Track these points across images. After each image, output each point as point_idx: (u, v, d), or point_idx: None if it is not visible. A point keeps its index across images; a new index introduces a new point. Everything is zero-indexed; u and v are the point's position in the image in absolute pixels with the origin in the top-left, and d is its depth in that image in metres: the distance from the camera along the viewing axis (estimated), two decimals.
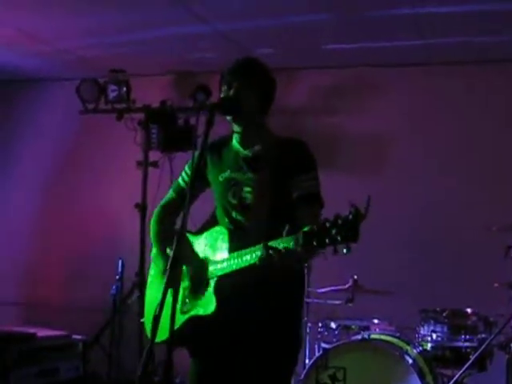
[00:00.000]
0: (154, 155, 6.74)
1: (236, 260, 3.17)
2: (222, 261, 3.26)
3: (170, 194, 3.77)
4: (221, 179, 3.51)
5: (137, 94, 6.82)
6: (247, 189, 3.42)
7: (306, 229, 2.86)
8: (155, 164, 6.70)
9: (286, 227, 2.96)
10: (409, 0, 5.50)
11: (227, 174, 3.49)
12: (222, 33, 6.35)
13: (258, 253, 3.02)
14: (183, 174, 3.68)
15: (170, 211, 3.71)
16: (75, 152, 7.87)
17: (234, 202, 3.44)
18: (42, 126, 8.03)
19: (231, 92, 3.38)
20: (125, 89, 6.79)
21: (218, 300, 3.20)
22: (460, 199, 6.63)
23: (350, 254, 2.74)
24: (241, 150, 3.48)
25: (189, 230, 3.53)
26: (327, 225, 2.77)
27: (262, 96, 3.43)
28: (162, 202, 3.80)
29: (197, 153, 3.13)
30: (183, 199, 3.44)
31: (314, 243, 2.81)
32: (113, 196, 7.54)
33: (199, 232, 3.57)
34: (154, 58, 7.17)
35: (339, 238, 2.73)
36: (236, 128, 3.46)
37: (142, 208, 6.48)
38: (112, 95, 6.83)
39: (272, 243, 2.99)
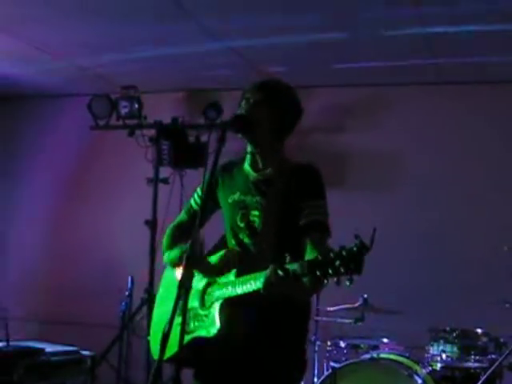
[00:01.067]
0: (164, 172, 6.75)
1: (241, 285, 3.14)
2: (228, 284, 3.23)
3: (182, 214, 3.72)
4: (230, 201, 3.48)
5: (148, 111, 6.84)
6: (255, 212, 3.38)
7: (310, 258, 2.84)
8: (166, 180, 6.70)
9: (288, 256, 2.93)
10: (420, 20, 5.51)
11: (237, 196, 3.46)
12: (235, 50, 6.37)
13: (263, 279, 2.99)
14: (195, 195, 3.63)
15: (182, 232, 3.63)
16: (86, 167, 7.89)
17: (242, 225, 3.41)
18: (54, 142, 8.06)
19: (246, 107, 3.36)
20: (136, 105, 6.80)
21: (220, 323, 3.17)
22: (470, 218, 6.62)
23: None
24: (251, 172, 3.45)
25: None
26: (331, 255, 2.74)
27: (277, 116, 3.35)
28: (174, 222, 3.76)
29: (207, 174, 3.12)
30: (194, 219, 3.41)
31: (318, 273, 2.78)
32: (123, 212, 7.54)
33: (209, 253, 3.52)
34: (166, 75, 7.19)
35: (343, 270, 2.70)
36: (249, 148, 3.43)
37: (152, 225, 6.48)
38: (124, 111, 6.84)
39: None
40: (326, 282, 2.80)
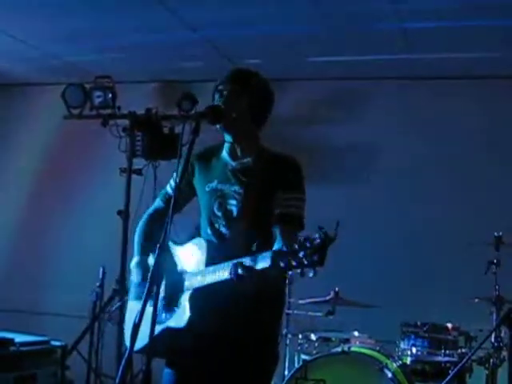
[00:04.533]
0: (138, 163, 6.71)
1: (211, 275, 3.14)
2: (198, 274, 3.23)
3: (157, 201, 3.72)
4: (207, 189, 3.48)
5: (122, 101, 6.79)
6: (233, 201, 3.39)
7: (275, 249, 2.83)
8: (139, 171, 6.67)
9: (255, 244, 2.93)
10: (396, 14, 5.53)
11: (214, 184, 3.46)
12: (210, 42, 6.35)
13: (229, 269, 3.00)
14: (171, 181, 3.62)
15: (157, 219, 3.62)
16: (59, 157, 7.84)
17: (219, 213, 3.41)
18: (27, 130, 8.00)
19: (220, 99, 3.36)
20: (110, 95, 6.75)
21: (190, 313, 3.16)
22: (443, 214, 6.65)
23: (315, 276, 2.72)
24: (230, 161, 3.45)
25: (172, 239, 3.52)
26: (295, 247, 2.73)
27: (252, 105, 3.38)
28: (149, 209, 3.76)
29: (182, 161, 3.12)
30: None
31: (281, 265, 2.77)
32: (96, 202, 7.51)
33: (183, 242, 3.52)
34: (141, 65, 7.17)
35: (306, 262, 2.70)
36: (227, 138, 3.44)
37: (125, 215, 6.45)
38: (97, 101, 6.79)
39: (243, 260, 2.97)
40: (289, 272, 2.79)
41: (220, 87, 3.40)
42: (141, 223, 3.75)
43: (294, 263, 2.73)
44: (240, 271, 2.95)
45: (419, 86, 6.91)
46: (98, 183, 7.57)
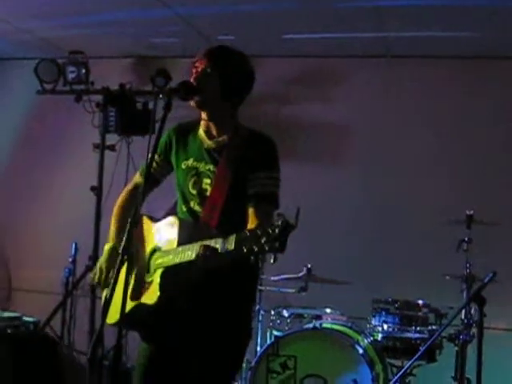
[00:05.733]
0: (111, 138, 6.68)
1: (180, 254, 3.15)
2: (169, 252, 3.24)
3: (137, 177, 3.72)
4: (183, 166, 3.48)
5: (96, 77, 6.75)
6: (207, 180, 3.39)
7: (241, 232, 2.84)
8: (112, 147, 6.64)
9: (227, 224, 2.96)
10: None
11: (190, 162, 3.46)
12: (184, 18, 6.32)
13: (195, 251, 3.03)
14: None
15: (136, 195, 3.58)
16: (32, 132, 7.80)
17: (193, 191, 3.42)
18: (0, 105, 7.94)
19: (195, 76, 3.34)
20: (84, 70, 6.70)
21: (161, 290, 3.17)
22: (414, 192, 6.69)
23: (276, 263, 2.76)
24: (206, 139, 3.45)
25: (150, 215, 3.54)
26: (258, 232, 2.75)
27: (224, 85, 3.35)
28: (129, 185, 3.76)
29: (154, 138, 3.11)
30: (150, 180, 3.47)
31: (244, 250, 2.79)
32: (68, 178, 7.49)
33: (159, 219, 3.53)
34: (114, 41, 7.13)
35: (267, 248, 2.71)
36: (203, 115, 3.43)
37: (98, 191, 6.42)
38: (71, 76, 6.74)
39: (210, 242, 2.99)
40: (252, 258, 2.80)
41: (196, 64, 3.38)
42: (120, 199, 3.74)
43: (255, 248, 2.74)
44: (206, 253, 2.97)
45: (394, 64, 6.91)
46: (71, 159, 7.54)
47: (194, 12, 6.22)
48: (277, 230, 2.69)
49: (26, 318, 6.31)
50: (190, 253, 3.07)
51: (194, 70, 3.37)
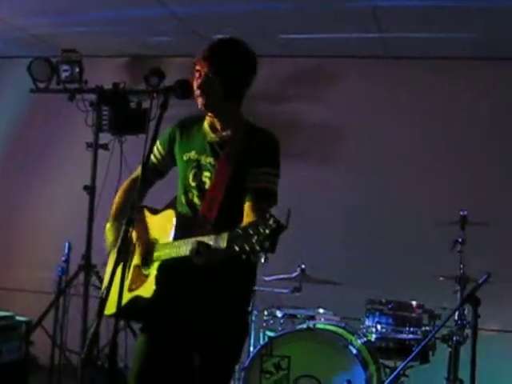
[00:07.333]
0: (104, 137, 6.67)
1: (176, 249, 3.15)
2: (166, 246, 3.24)
3: (140, 168, 3.70)
4: (185, 158, 3.48)
5: (89, 75, 6.73)
6: (207, 173, 3.39)
7: (235, 229, 2.83)
8: (105, 146, 6.63)
9: (223, 219, 2.96)
10: None
11: (192, 154, 3.46)
12: (179, 17, 6.30)
13: (190, 246, 3.03)
14: (154, 149, 3.56)
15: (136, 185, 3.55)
16: (25, 131, 7.77)
17: (193, 184, 3.42)
18: None
19: (198, 82, 3.31)
20: (77, 69, 6.69)
21: (157, 284, 3.18)
22: (409, 192, 6.70)
23: (267, 263, 2.76)
24: (209, 133, 3.45)
25: (150, 206, 3.55)
26: (250, 231, 2.74)
27: (229, 85, 3.34)
28: (132, 175, 3.74)
29: (150, 138, 3.10)
30: (153, 173, 3.55)
31: (236, 248, 2.78)
32: (62, 177, 7.46)
33: (159, 211, 3.53)
34: (108, 40, 7.11)
35: (257, 248, 2.71)
36: (208, 113, 3.44)
37: (91, 190, 6.41)
38: (64, 75, 6.73)
39: (204, 238, 2.99)
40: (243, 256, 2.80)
41: (197, 67, 3.35)
42: (122, 188, 3.73)
43: (246, 247, 2.74)
44: (199, 249, 2.97)
45: (390, 64, 6.92)
46: (65, 158, 7.52)
47: (188, 11, 6.20)
48: (267, 230, 2.69)
49: (18, 318, 6.30)
50: (185, 248, 3.07)
51: (196, 74, 3.35)
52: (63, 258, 6.39)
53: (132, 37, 6.99)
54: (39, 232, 7.54)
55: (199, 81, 3.32)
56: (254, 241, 2.71)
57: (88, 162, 6.49)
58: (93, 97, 6.67)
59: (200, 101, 3.34)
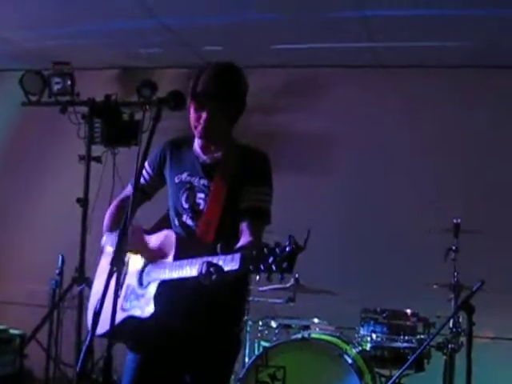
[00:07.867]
0: (97, 150, 6.66)
1: (178, 269, 3.13)
2: (164, 266, 3.22)
3: (129, 188, 3.69)
4: (177, 180, 3.46)
5: (81, 88, 6.74)
6: (201, 195, 3.38)
7: (243, 249, 2.84)
8: (98, 159, 6.62)
9: (219, 245, 2.95)
10: (358, 3, 5.54)
11: (184, 176, 3.44)
12: (170, 28, 6.31)
13: (198, 267, 2.99)
14: (143, 171, 3.50)
15: (126, 206, 3.53)
16: (17, 144, 7.76)
17: (186, 206, 3.40)
18: None
19: (204, 116, 3.29)
20: (69, 81, 6.70)
21: (155, 305, 3.15)
22: (402, 201, 6.70)
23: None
24: (201, 154, 3.44)
25: (141, 226, 3.51)
26: (265, 252, 2.74)
27: (232, 116, 3.39)
28: (121, 195, 3.73)
29: (142, 150, 3.07)
30: (141, 194, 3.51)
31: (250, 268, 2.79)
32: (55, 190, 7.45)
33: (151, 231, 3.50)
34: (100, 52, 7.11)
35: (274, 268, 2.72)
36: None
37: (84, 203, 6.40)
38: (56, 87, 6.73)
39: (213, 259, 2.97)
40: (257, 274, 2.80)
41: (199, 99, 3.31)
42: (109, 210, 3.69)
43: (262, 267, 2.75)
44: (210, 270, 2.94)
45: (382, 74, 6.93)
46: (57, 170, 7.51)
47: (179, 22, 6.21)
48: (286, 252, 2.69)
49: (12, 331, 6.29)
50: (189, 268, 3.05)
51: (194, 115, 3.32)
52: (57, 271, 6.38)
53: (124, 49, 6.99)
54: (32, 245, 7.52)
55: (204, 125, 3.31)
56: (270, 261, 2.72)
57: (81, 175, 6.49)
58: (85, 109, 6.67)
59: (202, 141, 3.36)
